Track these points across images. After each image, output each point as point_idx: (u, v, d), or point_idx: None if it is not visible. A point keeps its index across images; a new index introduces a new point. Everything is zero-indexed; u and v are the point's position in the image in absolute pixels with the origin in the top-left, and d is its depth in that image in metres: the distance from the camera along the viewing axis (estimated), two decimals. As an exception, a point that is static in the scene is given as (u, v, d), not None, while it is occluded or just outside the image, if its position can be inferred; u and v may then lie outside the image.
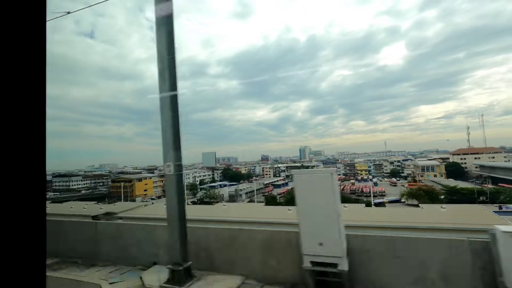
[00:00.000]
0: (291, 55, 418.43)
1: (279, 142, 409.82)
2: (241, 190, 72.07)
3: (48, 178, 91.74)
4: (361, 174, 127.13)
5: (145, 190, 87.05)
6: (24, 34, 0.72)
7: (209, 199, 62.43)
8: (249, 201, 58.45)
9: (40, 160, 0.76)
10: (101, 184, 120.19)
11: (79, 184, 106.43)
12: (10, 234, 0.69)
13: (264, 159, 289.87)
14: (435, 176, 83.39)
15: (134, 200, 73.12)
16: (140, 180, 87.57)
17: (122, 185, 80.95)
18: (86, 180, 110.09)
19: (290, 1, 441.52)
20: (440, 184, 62.82)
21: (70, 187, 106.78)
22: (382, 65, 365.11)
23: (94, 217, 16.74)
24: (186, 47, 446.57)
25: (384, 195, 63.22)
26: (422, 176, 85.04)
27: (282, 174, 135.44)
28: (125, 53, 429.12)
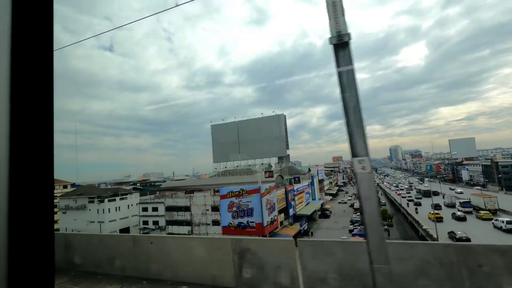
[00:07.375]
0: (307, 60, 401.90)
1: (293, 149, 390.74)
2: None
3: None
4: None
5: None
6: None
7: None
8: None
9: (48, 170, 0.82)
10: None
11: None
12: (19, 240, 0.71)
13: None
14: None
15: None
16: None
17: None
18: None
19: (307, 5, 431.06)
20: None
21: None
22: (401, 67, 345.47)
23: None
24: (201, 56, 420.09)
25: None
26: None
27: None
28: (142, 65, 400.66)
